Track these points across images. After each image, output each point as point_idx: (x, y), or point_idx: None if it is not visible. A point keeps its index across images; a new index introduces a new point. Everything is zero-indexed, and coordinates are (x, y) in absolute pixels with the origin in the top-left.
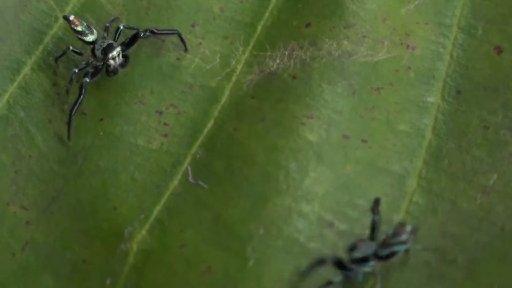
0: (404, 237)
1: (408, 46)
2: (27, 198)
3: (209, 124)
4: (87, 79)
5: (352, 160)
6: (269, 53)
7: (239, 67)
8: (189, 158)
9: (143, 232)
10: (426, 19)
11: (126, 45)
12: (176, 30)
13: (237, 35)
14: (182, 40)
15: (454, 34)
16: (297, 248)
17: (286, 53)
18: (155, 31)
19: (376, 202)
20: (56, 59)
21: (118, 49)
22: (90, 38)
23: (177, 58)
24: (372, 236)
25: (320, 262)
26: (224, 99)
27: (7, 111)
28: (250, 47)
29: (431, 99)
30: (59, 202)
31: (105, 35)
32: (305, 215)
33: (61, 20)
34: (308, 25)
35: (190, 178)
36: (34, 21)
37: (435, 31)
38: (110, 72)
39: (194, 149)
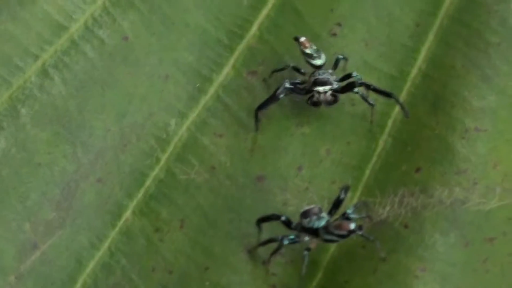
0: (344, 232)
1: None
2: None
3: (319, 275)
4: (288, 84)
5: None
6: (378, 199)
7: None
8: None
9: None
10: None
11: (341, 88)
12: (392, 93)
13: (344, 179)
14: (401, 105)
15: None
16: None
17: (396, 200)
18: (371, 86)
19: (346, 189)
20: (273, 72)
21: (329, 87)
22: (317, 62)
23: (283, 203)
24: (330, 212)
25: (274, 217)
26: (332, 248)
27: (108, 258)
28: (358, 193)
29: None
30: None
31: (334, 68)
32: None
33: (162, 162)
34: (418, 170)
35: None
36: (134, 162)
37: None
38: (311, 102)
39: None
